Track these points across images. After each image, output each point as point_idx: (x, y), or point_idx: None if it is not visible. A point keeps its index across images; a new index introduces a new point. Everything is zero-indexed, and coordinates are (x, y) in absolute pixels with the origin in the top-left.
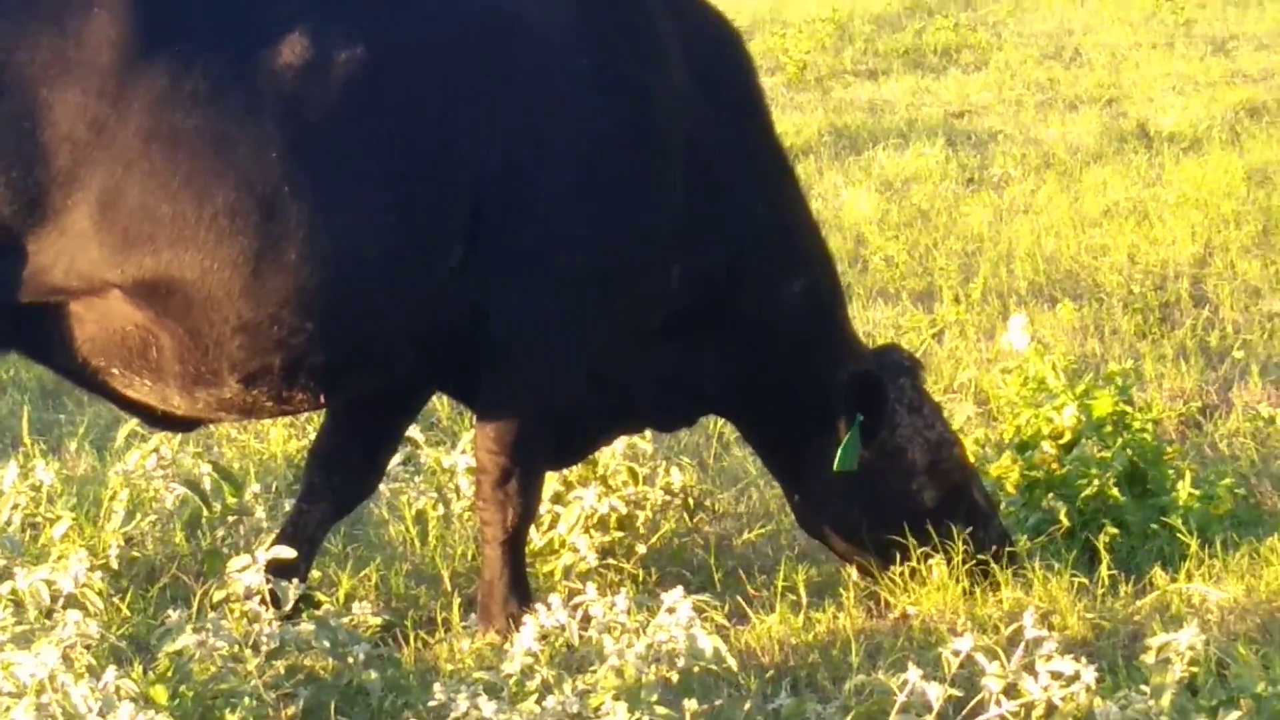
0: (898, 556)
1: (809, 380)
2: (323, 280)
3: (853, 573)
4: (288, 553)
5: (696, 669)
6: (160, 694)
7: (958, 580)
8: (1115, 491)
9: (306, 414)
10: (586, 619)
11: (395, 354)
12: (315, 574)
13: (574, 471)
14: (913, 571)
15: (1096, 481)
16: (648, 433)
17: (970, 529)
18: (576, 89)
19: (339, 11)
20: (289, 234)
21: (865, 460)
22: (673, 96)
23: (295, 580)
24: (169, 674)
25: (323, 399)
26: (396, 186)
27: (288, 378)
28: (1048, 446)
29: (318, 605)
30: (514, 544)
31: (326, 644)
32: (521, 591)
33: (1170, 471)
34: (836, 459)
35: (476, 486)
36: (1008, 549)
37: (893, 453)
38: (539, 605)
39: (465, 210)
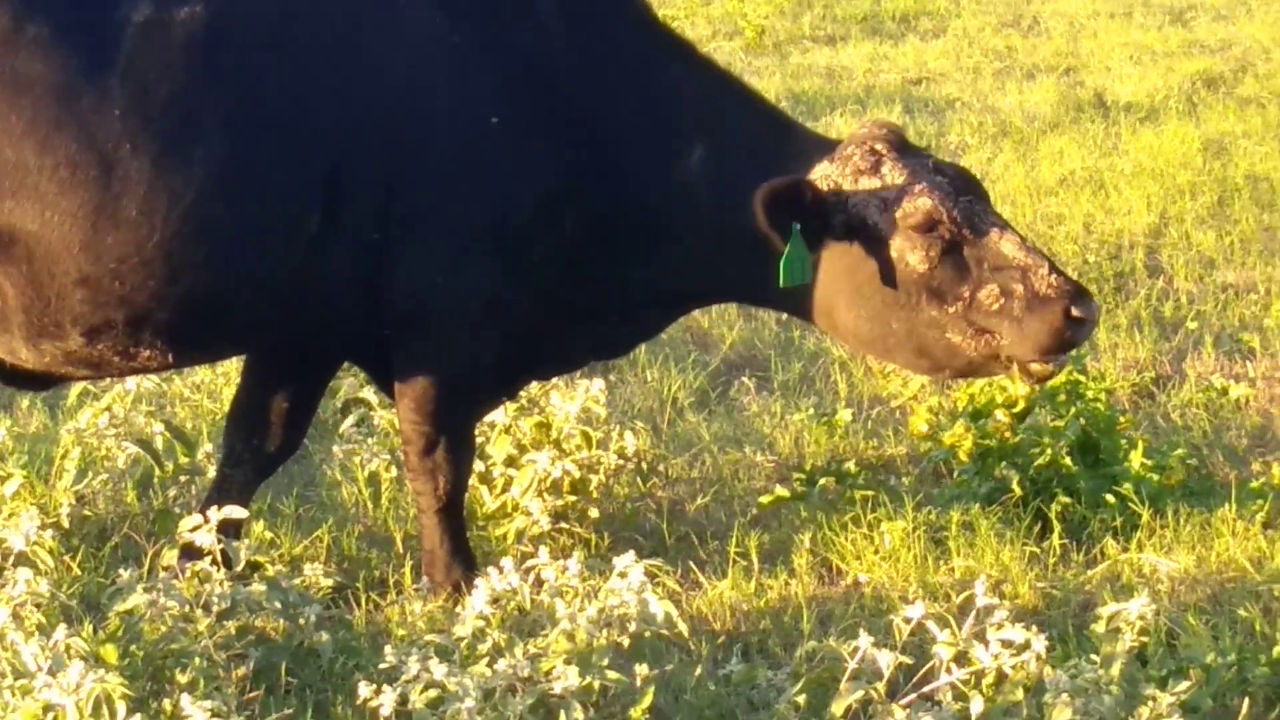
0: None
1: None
2: (164, 238)
3: (806, 539)
4: (240, 512)
5: (648, 634)
6: (110, 653)
7: (909, 547)
8: (1068, 461)
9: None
10: (539, 583)
11: (252, 319)
12: (267, 535)
13: (527, 435)
14: (865, 537)
15: (1049, 451)
16: (601, 397)
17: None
18: (437, 51)
19: None
20: (129, 190)
21: (831, 252)
22: (543, 42)
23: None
24: (119, 633)
25: (171, 358)
26: (241, 149)
27: (132, 334)
28: (1001, 415)
29: (257, 567)
30: (450, 511)
31: (278, 605)
32: (464, 557)
33: (1123, 441)
34: (780, 275)
35: (405, 457)
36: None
37: (855, 227)
38: (491, 569)
39: (319, 178)
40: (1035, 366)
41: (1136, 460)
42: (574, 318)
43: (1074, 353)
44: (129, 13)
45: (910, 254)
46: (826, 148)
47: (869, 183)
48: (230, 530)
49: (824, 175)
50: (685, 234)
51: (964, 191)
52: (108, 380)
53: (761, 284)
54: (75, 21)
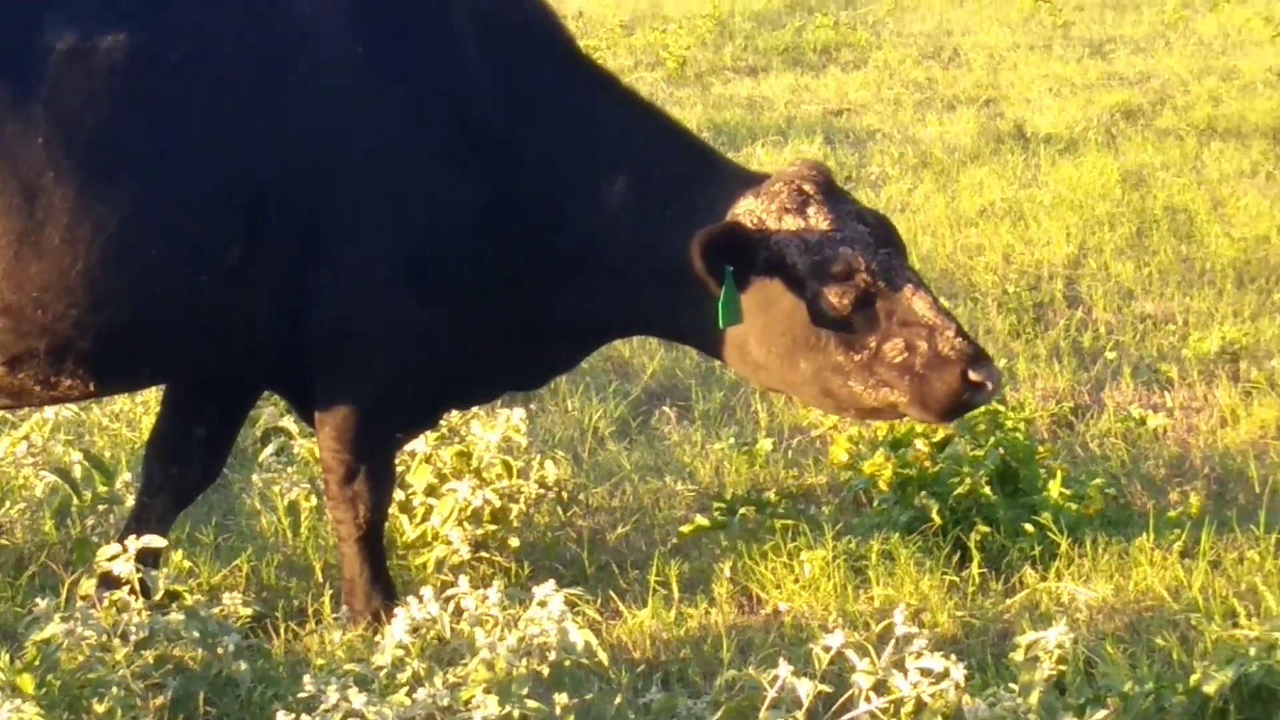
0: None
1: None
2: (86, 266)
3: (726, 567)
4: (159, 541)
5: (568, 663)
6: (27, 683)
7: (829, 576)
8: (987, 490)
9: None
10: (458, 611)
11: (174, 347)
12: (185, 564)
13: (448, 464)
14: (785, 566)
15: (968, 480)
16: (522, 427)
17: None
18: (356, 81)
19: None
20: (53, 218)
21: (749, 288)
22: (461, 77)
23: (164, 570)
24: (36, 663)
25: (93, 387)
26: (163, 177)
27: (54, 363)
28: (920, 444)
29: (175, 596)
30: (370, 539)
31: (196, 634)
32: (384, 585)
33: (1041, 471)
34: (719, 315)
35: (325, 485)
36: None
37: (775, 265)
38: (410, 598)
39: (241, 207)
40: (935, 420)
41: (1055, 490)
42: (494, 347)
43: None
44: (52, 41)
45: (825, 299)
46: (750, 181)
47: (793, 222)
48: (149, 559)
49: (748, 210)
50: (607, 265)
51: (884, 243)
52: (25, 409)
53: (678, 317)
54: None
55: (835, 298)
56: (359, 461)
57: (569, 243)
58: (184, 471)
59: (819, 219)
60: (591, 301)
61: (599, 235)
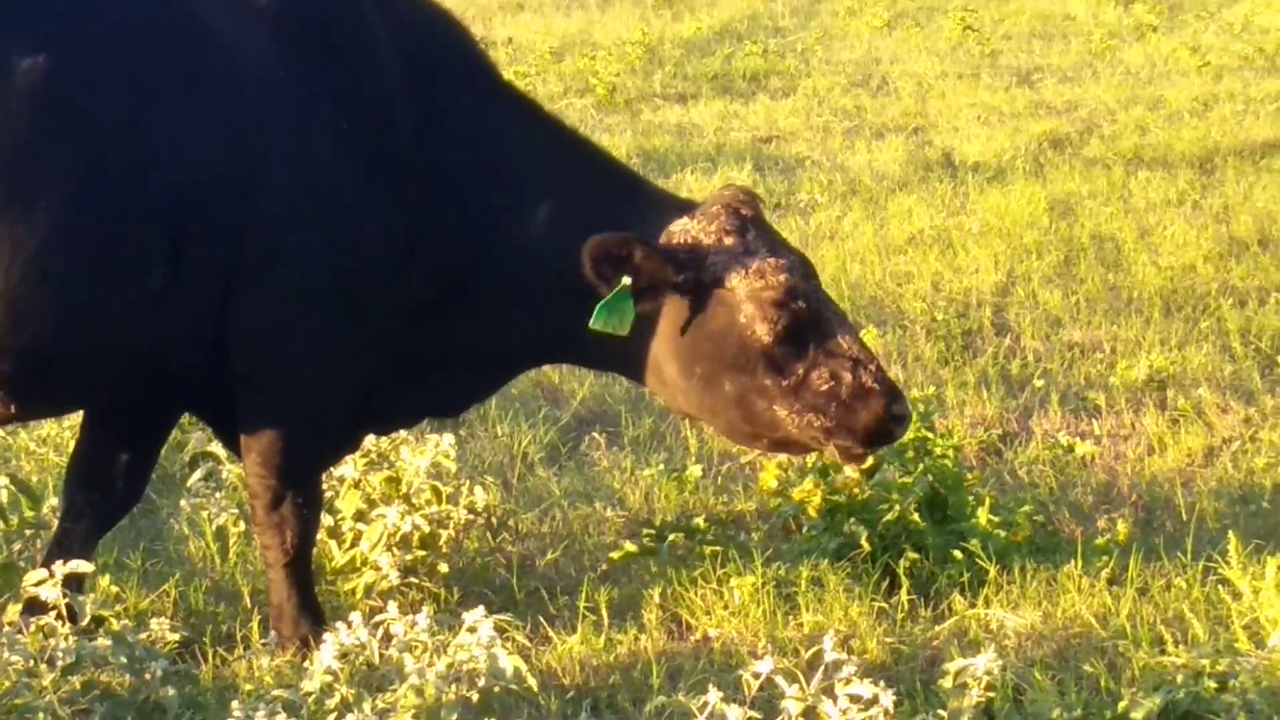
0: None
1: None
2: (5, 290)
3: (655, 594)
4: (86, 566)
5: (497, 689)
6: None
7: (759, 603)
8: (916, 517)
9: None
10: (387, 637)
11: (97, 372)
12: (113, 589)
13: (377, 489)
14: (715, 593)
15: (897, 507)
16: (451, 452)
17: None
18: (277, 106)
19: (24, 20)
20: None
21: (674, 306)
22: (385, 97)
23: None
24: None
25: (14, 409)
26: (83, 202)
27: None
28: (850, 471)
29: (102, 622)
30: (297, 565)
31: (124, 660)
32: (312, 611)
33: (970, 498)
34: (593, 315)
35: (251, 512)
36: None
37: (711, 285)
38: (339, 623)
39: (163, 230)
40: (854, 451)
41: (984, 517)
42: (418, 372)
43: (923, 409)
44: None
45: (760, 323)
46: (678, 206)
47: (731, 245)
48: (74, 584)
49: (684, 229)
50: (532, 292)
51: (813, 274)
52: None
53: (602, 344)
54: None
55: (771, 322)
56: (285, 487)
57: (494, 270)
58: (105, 497)
59: (759, 244)
60: (517, 327)
61: (525, 262)
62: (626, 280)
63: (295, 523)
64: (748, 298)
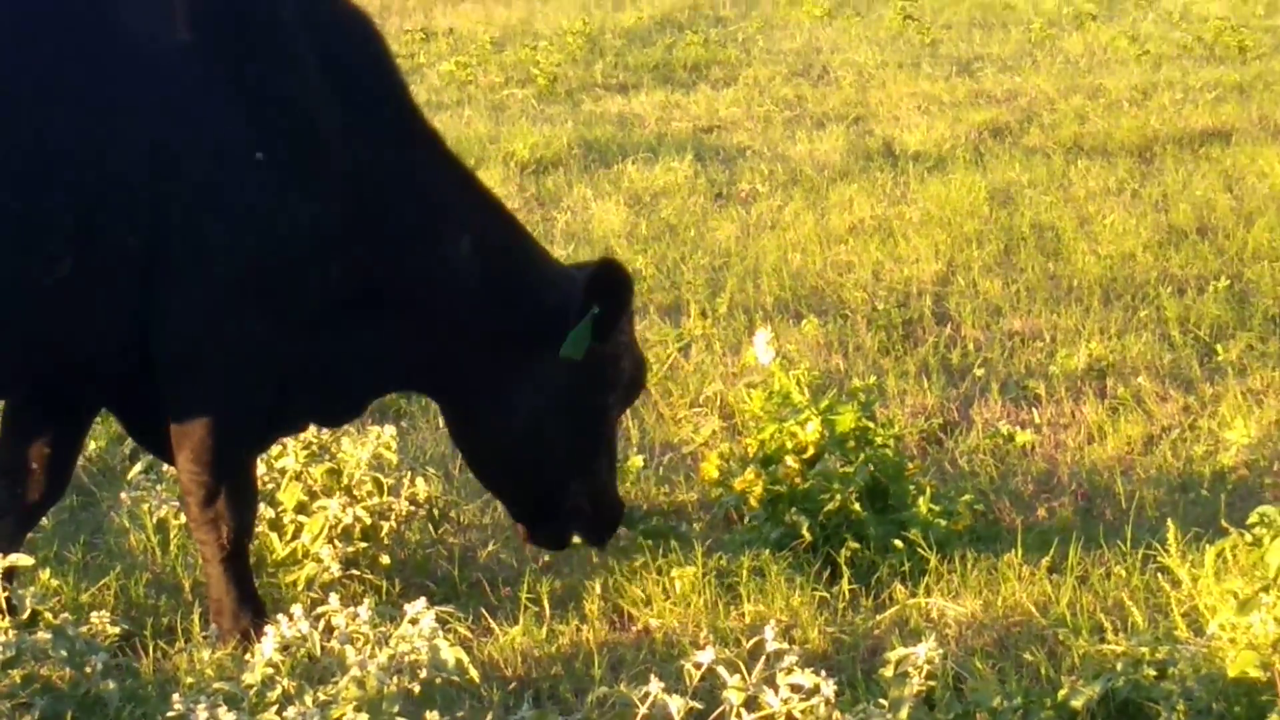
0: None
1: (505, 326)
2: None
3: (597, 585)
4: (26, 560)
5: (439, 680)
6: None
7: (700, 593)
8: (857, 506)
9: None
10: (329, 629)
11: (9, 362)
12: (53, 582)
13: (318, 481)
14: (656, 583)
15: (839, 496)
16: (393, 444)
17: (609, 470)
18: (195, 98)
19: None
20: None
21: (580, 365)
22: (302, 96)
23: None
24: None
25: None
26: None
27: None
28: (791, 461)
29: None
30: (235, 558)
31: (64, 653)
32: (252, 604)
33: (911, 487)
34: (566, 343)
35: (185, 508)
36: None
37: (608, 358)
38: (281, 615)
39: (68, 220)
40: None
41: (924, 506)
42: (317, 375)
43: (863, 399)
44: None
45: (616, 413)
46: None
47: (627, 330)
48: (10, 578)
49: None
50: (443, 313)
51: None
52: None
53: (483, 376)
54: None
55: (617, 414)
56: (218, 481)
57: (414, 282)
58: (27, 492)
59: (633, 337)
60: (417, 339)
61: (444, 284)
62: (595, 310)
63: (231, 517)
64: (626, 384)
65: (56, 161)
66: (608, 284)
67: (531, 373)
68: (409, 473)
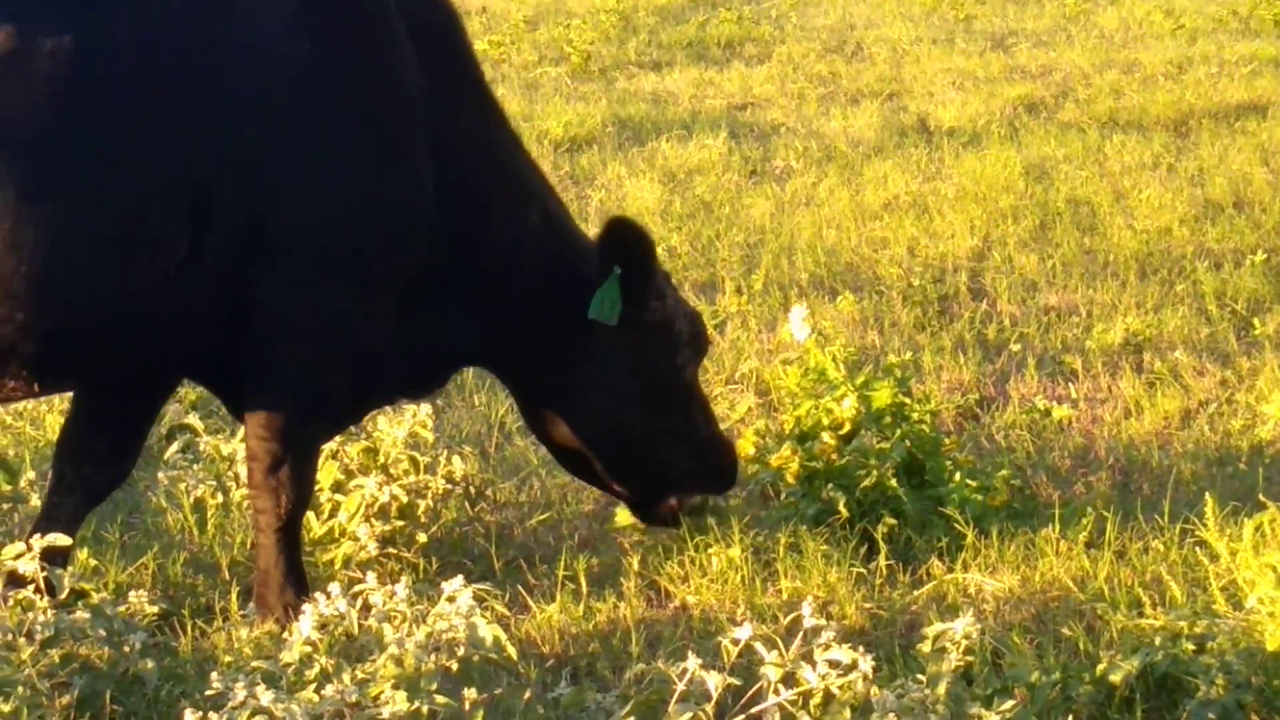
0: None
1: (568, 300)
2: (31, 271)
3: (634, 562)
4: (63, 540)
5: (476, 658)
6: None
7: (737, 570)
8: (893, 482)
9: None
10: (366, 608)
11: (119, 347)
12: (91, 562)
13: (355, 460)
14: (692, 560)
15: (875, 472)
16: (429, 422)
17: (707, 423)
18: (301, 76)
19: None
20: None
21: (641, 336)
22: (402, 72)
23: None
24: None
25: (37, 388)
26: (106, 179)
27: None
28: (827, 437)
29: (86, 595)
30: (289, 531)
31: (102, 633)
32: (298, 579)
33: (948, 463)
34: (592, 305)
35: (248, 474)
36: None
37: (663, 324)
38: (318, 594)
39: (185, 204)
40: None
41: (961, 481)
42: (402, 351)
43: (899, 375)
44: None
45: (690, 370)
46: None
47: (671, 291)
48: (55, 558)
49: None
50: (515, 285)
51: None
52: None
53: (553, 350)
54: None
55: (694, 367)
56: (286, 451)
57: (491, 257)
58: (96, 472)
59: (677, 297)
60: (491, 315)
61: (515, 260)
62: (618, 270)
63: (291, 488)
64: (688, 341)
65: (173, 146)
66: (620, 240)
67: (592, 349)
68: (445, 451)
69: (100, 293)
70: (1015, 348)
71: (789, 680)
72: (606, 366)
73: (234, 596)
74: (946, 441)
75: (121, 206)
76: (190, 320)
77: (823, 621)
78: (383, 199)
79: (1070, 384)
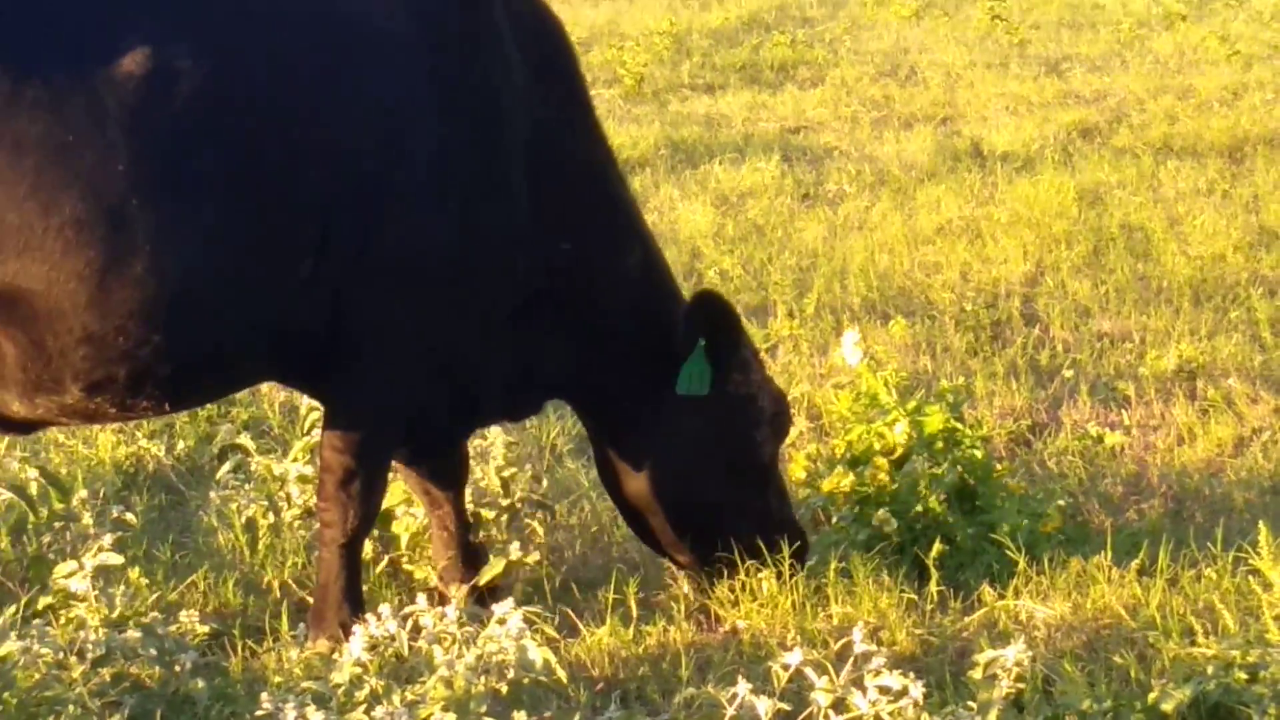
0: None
1: (655, 347)
2: (170, 294)
3: (684, 586)
4: (116, 559)
5: (526, 680)
6: None
7: (787, 594)
8: (945, 508)
9: (135, 421)
10: (417, 629)
11: (244, 363)
12: (142, 581)
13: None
14: (743, 585)
15: (927, 498)
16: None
17: (781, 508)
18: (422, 95)
19: (180, 20)
20: (135, 247)
21: (720, 408)
22: (515, 94)
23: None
24: None
25: (167, 407)
26: (243, 200)
27: (132, 387)
28: (879, 462)
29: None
30: (352, 548)
31: (153, 652)
32: (355, 598)
33: (1000, 489)
34: (680, 379)
35: (319, 486)
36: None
37: (745, 399)
38: (369, 615)
39: (316, 222)
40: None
41: (1013, 508)
42: (509, 374)
43: (952, 400)
44: (129, 67)
45: (769, 449)
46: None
47: (758, 365)
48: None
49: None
50: (608, 323)
51: None
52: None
53: (631, 402)
54: (75, 80)
55: (771, 447)
56: (360, 465)
57: (591, 289)
58: None
59: (765, 376)
60: (581, 350)
61: (617, 296)
62: (703, 343)
63: (361, 504)
64: (769, 420)
65: (303, 165)
66: (706, 313)
67: (670, 407)
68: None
69: (231, 316)
70: (1068, 374)
71: (839, 706)
72: (682, 428)
73: (284, 617)
74: (998, 467)
75: (255, 232)
76: (305, 334)
77: (873, 647)
78: (482, 224)
79: (1123, 410)
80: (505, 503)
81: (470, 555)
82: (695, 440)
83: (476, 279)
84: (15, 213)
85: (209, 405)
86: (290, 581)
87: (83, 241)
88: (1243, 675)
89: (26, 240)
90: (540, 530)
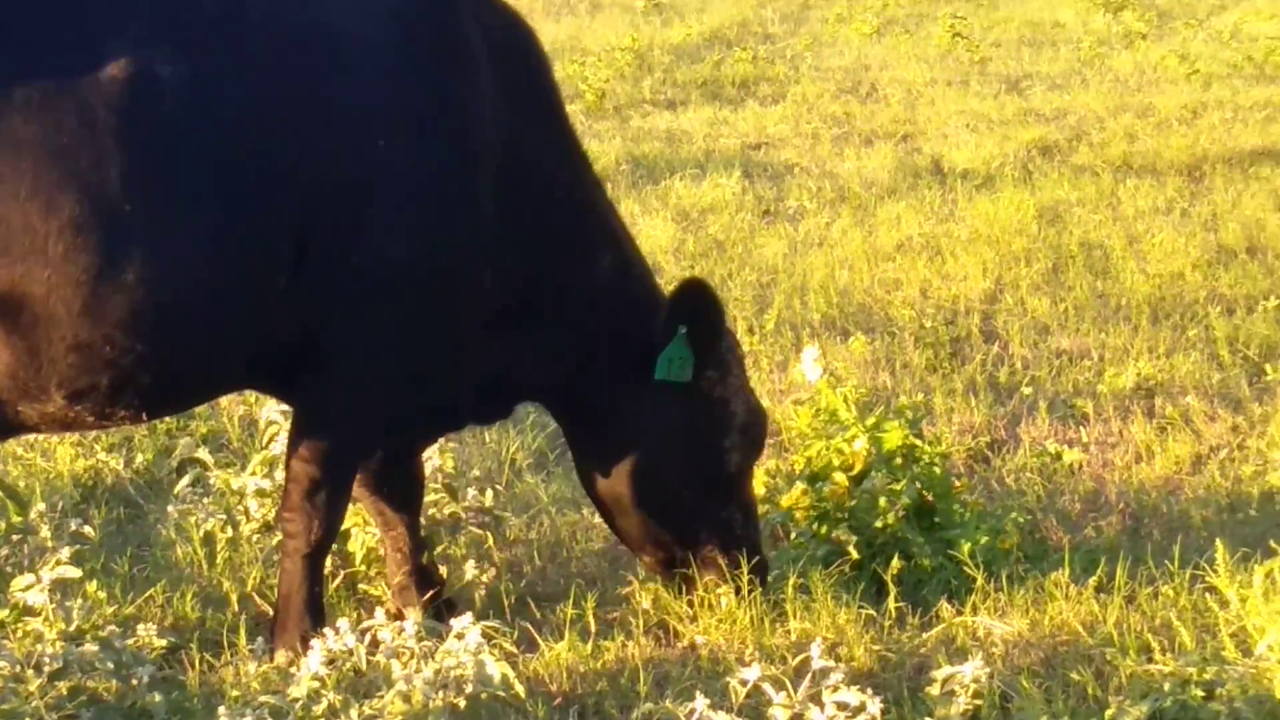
0: (701, 534)
1: (629, 349)
2: (157, 303)
3: (643, 601)
4: (74, 572)
5: (484, 695)
6: None
7: (746, 610)
8: (903, 524)
9: (94, 434)
10: (375, 644)
11: (221, 372)
12: (100, 595)
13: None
14: (701, 600)
15: (886, 514)
16: (451, 457)
17: (745, 525)
18: (395, 108)
19: (162, 27)
20: (126, 254)
21: (688, 408)
22: (487, 107)
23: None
24: None
25: (145, 415)
26: (223, 210)
27: (113, 396)
28: (838, 478)
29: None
30: (315, 559)
31: (110, 665)
32: (316, 609)
33: (958, 505)
34: (659, 364)
35: (285, 495)
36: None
37: (716, 400)
38: (327, 629)
39: (292, 234)
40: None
41: (972, 524)
42: (481, 379)
43: (911, 416)
44: (112, 72)
45: (737, 456)
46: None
47: (738, 371)
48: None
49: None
50: (582, 325)
51: None
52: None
53: (604, 402)
54: (63, 82)
55: (738, 457)
56: (326, 477)
57: (558, 295)
58: None
59: (747, 383)
60: (555, 352)
61: (586, 301)
62: (684, 330)
63: (325, 515)
64: (739, 428)
65: (280, 179)
66: (692, 300)
67: (645, 405)
68: (464, 483)
69: (212, 324)
70: (1027, 391)
71: None
72: (650, 427)
73: (242, 631)
74: (957, 484)
75: (238, 243)
76: (281, 346)
77: (831, 663)
78: (453, 235)
79: (1081, 428)
80: (450, 510)
81: (424, 576)
82: (659, 440)
83: (449, 289)
84: (18, 213)
85: (168, 419)
86: (248, 595)
87: (80, 244)
88: (1199, 692)
89: (30, 242)
90: (490, 539)
